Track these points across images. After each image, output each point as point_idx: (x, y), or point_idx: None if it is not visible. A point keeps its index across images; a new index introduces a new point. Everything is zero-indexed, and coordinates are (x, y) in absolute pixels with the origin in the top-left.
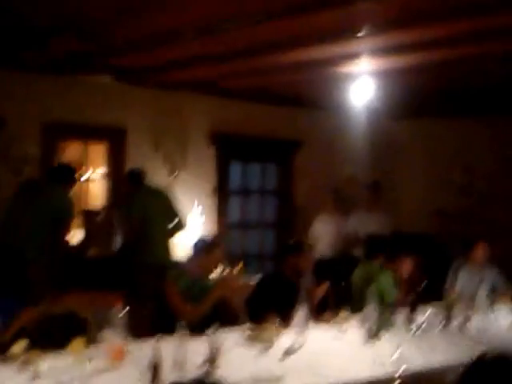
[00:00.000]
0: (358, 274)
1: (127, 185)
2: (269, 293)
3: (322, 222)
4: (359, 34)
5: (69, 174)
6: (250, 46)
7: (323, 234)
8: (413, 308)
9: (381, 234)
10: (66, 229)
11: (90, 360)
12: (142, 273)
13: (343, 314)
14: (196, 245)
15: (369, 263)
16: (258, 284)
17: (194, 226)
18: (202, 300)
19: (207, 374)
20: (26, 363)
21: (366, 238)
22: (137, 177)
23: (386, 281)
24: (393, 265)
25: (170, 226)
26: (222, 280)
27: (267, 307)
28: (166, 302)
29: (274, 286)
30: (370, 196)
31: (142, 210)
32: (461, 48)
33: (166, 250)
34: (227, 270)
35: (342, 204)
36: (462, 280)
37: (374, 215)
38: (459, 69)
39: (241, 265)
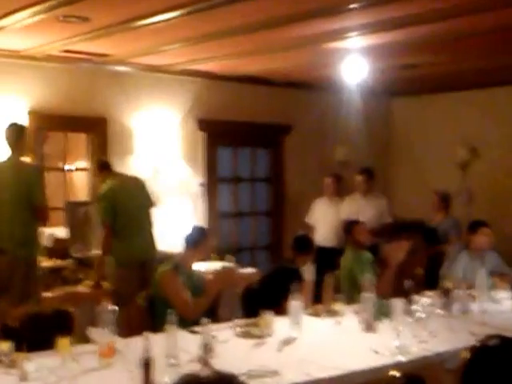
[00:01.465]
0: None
1: (97, 175)
2: (280, 285)
3: (320, 205)
4: (350, 7)
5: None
6: (239, 25)
7: (322, 219)
8: (410, 295)
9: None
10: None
11: (78, 359)
12: (123, 269)
13: (338, 304)
14: (188, 236)
15: (350, 248)
16: (270, 276)
17: (183, 215)
18: (204, 294)
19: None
20: (12, 364)
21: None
22: (103, 164)
23: (354, 261)
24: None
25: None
26: (220, 273)
27: (273, 299)
28: (164, 297)
29: (287, 278)
30: (363, 182)
31: (112, 200)
32: (452, 22)
33: (148, 242)
34: (222, 263)
35: (340, 188)
36: (463, 264)
37: (371, 201)
38: (454, 43)
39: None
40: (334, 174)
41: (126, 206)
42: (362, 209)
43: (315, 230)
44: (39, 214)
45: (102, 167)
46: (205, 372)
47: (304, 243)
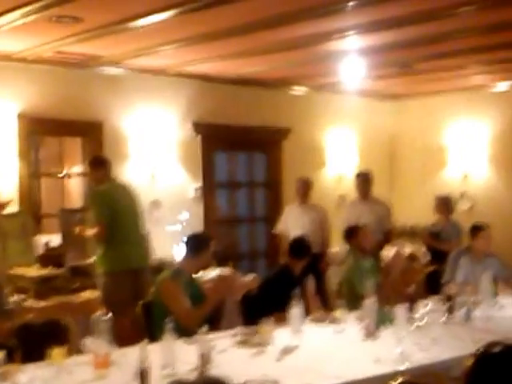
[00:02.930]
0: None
1: (92, 175)
2: (279, 290)
3: (292, 212)
4: (347, 6)
5: None
6: (234, 25)
7: (295, 225)
8: (413, 302)
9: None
10: None
11: (72, 370)
12: (115, 277)
13: (339, 311)
14: (190, 244)
15: (352, 254)
16: (268, 281)
17: (179, 221)
18: (204, 302)
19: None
20: (4, 377)
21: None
22: (101, 161)
23: (354, 268)
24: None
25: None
26: (220, 281)
27: (271, 306)
28: (163, 305)
29: (284, 283)
30: (360, 184)
31: (111, 202)
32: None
33: (142, 250)
34: (223, 270)
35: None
36: (464, 270)
37: (371, 206)
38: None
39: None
40: (305, 177)
41: (122, 212)
42: (361, 214)
43: (288, 238)
44: None
45: (100, 164)
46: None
47: (300, 248)
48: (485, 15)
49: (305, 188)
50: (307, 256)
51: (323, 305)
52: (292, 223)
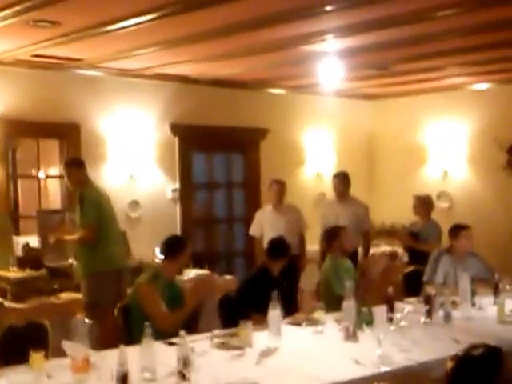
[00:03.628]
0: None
1: (72, 176)
2: (257, 292)
3: (267, 215)
4: (326, 9)
5: None
6: (213, 28)
7: (271, 229)
8: (392, 303)
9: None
10: None
11: (52, 374)
12: (99, 278)
13: (318, 312)
14: (167, 246)
15: (330, 256)
16: (247, 283)
17: (158, 222)
18: (183, 306)
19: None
20: None
21: None
22: (80, 162)
23: (332, 269)
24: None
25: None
26: (199, 282)
27: (249, 307)
28: (141, 308)
29: (263, 285)
30: (338, 184)
31: (99, 205)
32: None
33: (122, 251)
34: (200, 272)
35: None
36: (445, 270)
37: (349, 207)
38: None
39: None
40: (279, 179)
41: (106, 213)
42: (339, 215)
43: (263, 242)
44: None
45: (80, 165)
46: None
47: (278, 248)
48: (464, 18)
49: (280, 190)
50: (285, 257)
51: (295, 304)
52: (268, 226)
